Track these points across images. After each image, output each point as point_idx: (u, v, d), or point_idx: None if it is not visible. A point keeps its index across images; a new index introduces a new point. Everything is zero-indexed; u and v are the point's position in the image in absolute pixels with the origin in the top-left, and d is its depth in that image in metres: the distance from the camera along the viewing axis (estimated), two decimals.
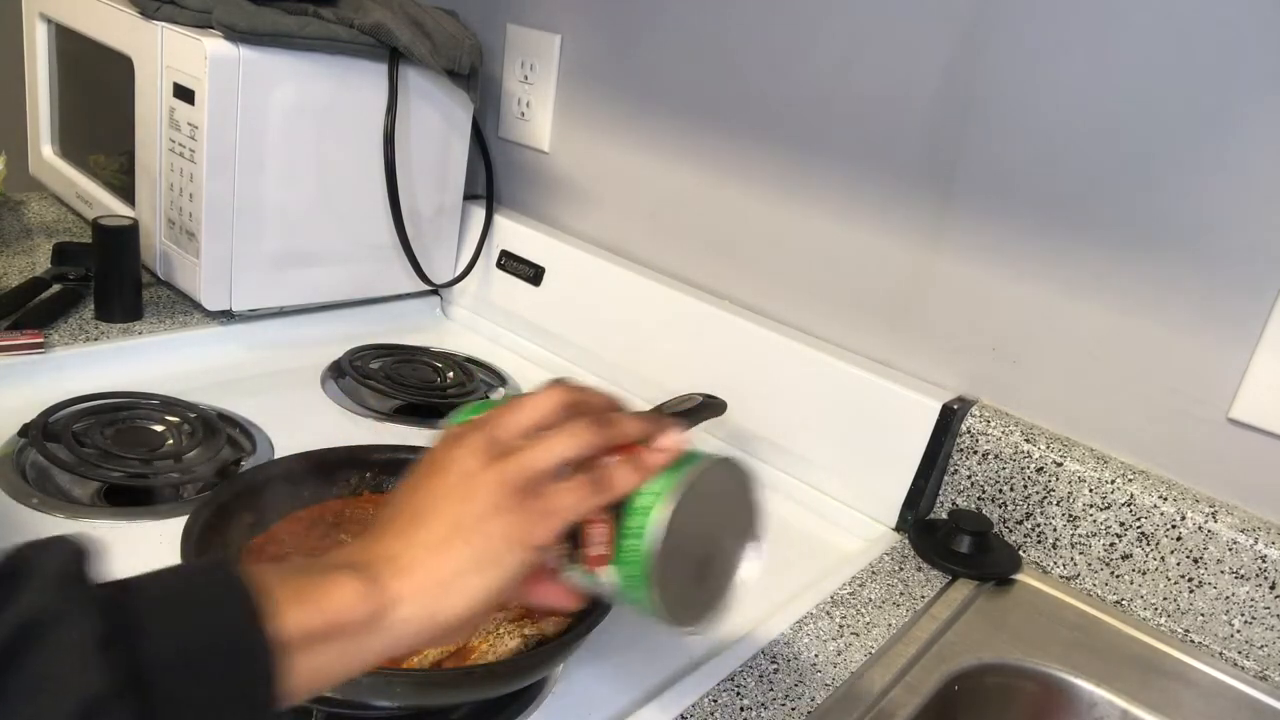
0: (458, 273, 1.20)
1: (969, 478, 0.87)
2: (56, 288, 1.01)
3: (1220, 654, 0.75)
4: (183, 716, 0.34)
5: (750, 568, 0.53)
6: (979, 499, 0.87)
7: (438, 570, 0.42)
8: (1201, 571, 0.76)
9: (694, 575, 0.50)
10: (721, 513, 0.51)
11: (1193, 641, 0.77)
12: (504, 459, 0.45)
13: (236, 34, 0.92)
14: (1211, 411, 0.77)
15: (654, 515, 0.46)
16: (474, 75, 1.08)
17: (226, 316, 1.03)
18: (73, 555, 0.35)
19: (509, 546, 0.43)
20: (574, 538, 0.48)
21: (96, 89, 1.14)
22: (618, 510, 0.47)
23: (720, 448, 0.98)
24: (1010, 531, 0.85)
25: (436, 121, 1.10)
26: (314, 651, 0.38)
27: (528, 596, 0.49)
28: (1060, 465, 0.82)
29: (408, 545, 0.43)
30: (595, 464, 0.48)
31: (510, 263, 1.17)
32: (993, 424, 0.85)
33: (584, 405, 0.49)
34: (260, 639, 0.36)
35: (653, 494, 0.47)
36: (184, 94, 0.94)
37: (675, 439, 0.49)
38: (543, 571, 0.49)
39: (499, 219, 1.19)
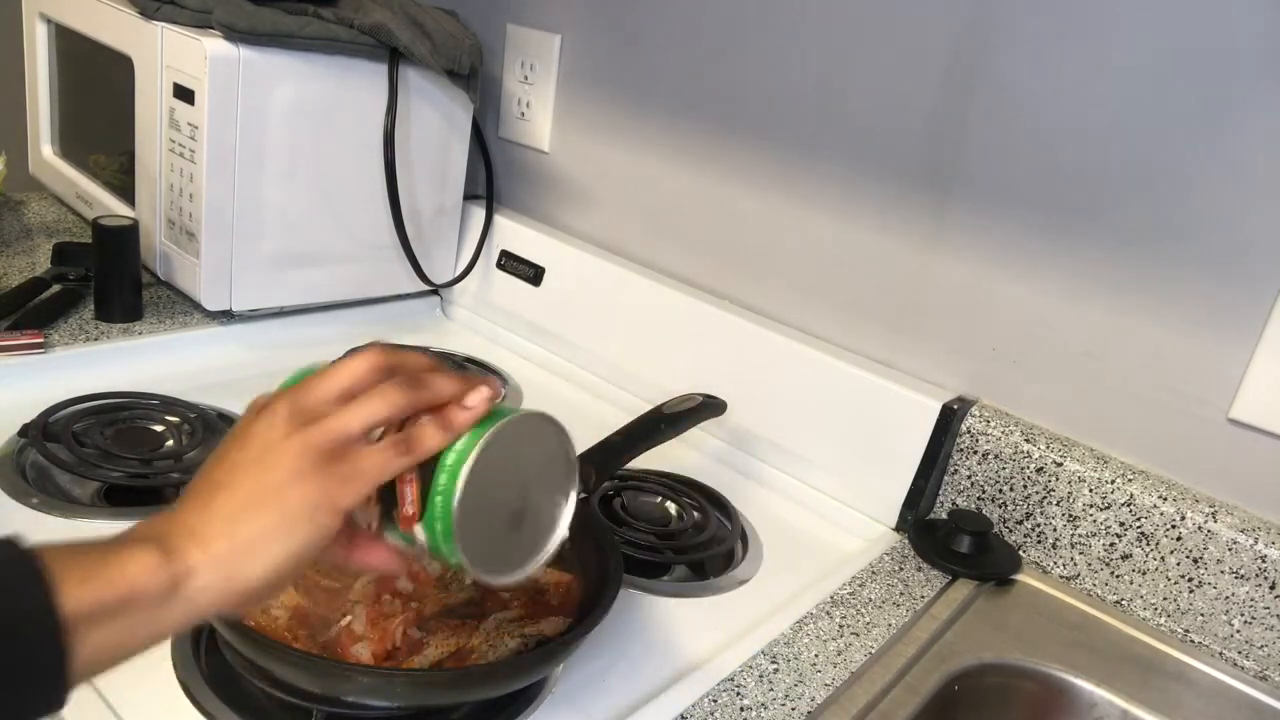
0: (458, 273, 1.20)
1: (969, 478, 0.87)
2: (56, 288, 1.01)
3: (1220, 654, 0.75)
4: None
5: (567, 520, 0.53)
6: (979, 499, 0.87)
7: (234, 538, 0.43)
8: (1201, 571, 0.76)
9: (505, 528, 0.51)
10: (532, 467, 0.52)
11: (1193, 641, 0.77)
12: (307, 426, 0.45)
13: (236, 34, 0.92)
14: (1211, 411, 0.77)
15: (458, 471, 0.47)
16: (474, 75, 1.08)
17: (226, 316, 1.03)
18: None
19: (309, 511, 0.44)
20: (390, 499, 0.48)
21: (96, 89, 1.14)
22: (429, 469, 0.48)
23: (720, 448, 0.98)
24: (1010, 531, 0.85)
25: (436, 121, 1.10)
26: (105, 625, 0.39)
27: (350, 559, 0.50)
28: (1060, 465, 0.82)
29: (205, 516, 0.43)
30: (410, 425, 0.48)
31: (510, 263, 1.17)
32: (993, 424, 0.85)
33: (399, 367, 0.48)
34: (49, 614, 0.37)
35: (458, 451, 0.47)
36: (184, 94, 0.94)
37: (483, 395, 0.48)
38: (364, 534, 0.49)
39: (499, 219, 1.19)
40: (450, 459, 0.47)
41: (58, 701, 0.37)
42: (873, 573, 0.81)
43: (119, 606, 0.39)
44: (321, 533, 0.44)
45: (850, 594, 0.77)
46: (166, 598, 0.41)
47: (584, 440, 0.80)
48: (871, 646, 0.71)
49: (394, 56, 1.02)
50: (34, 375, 0.88)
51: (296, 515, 0.43)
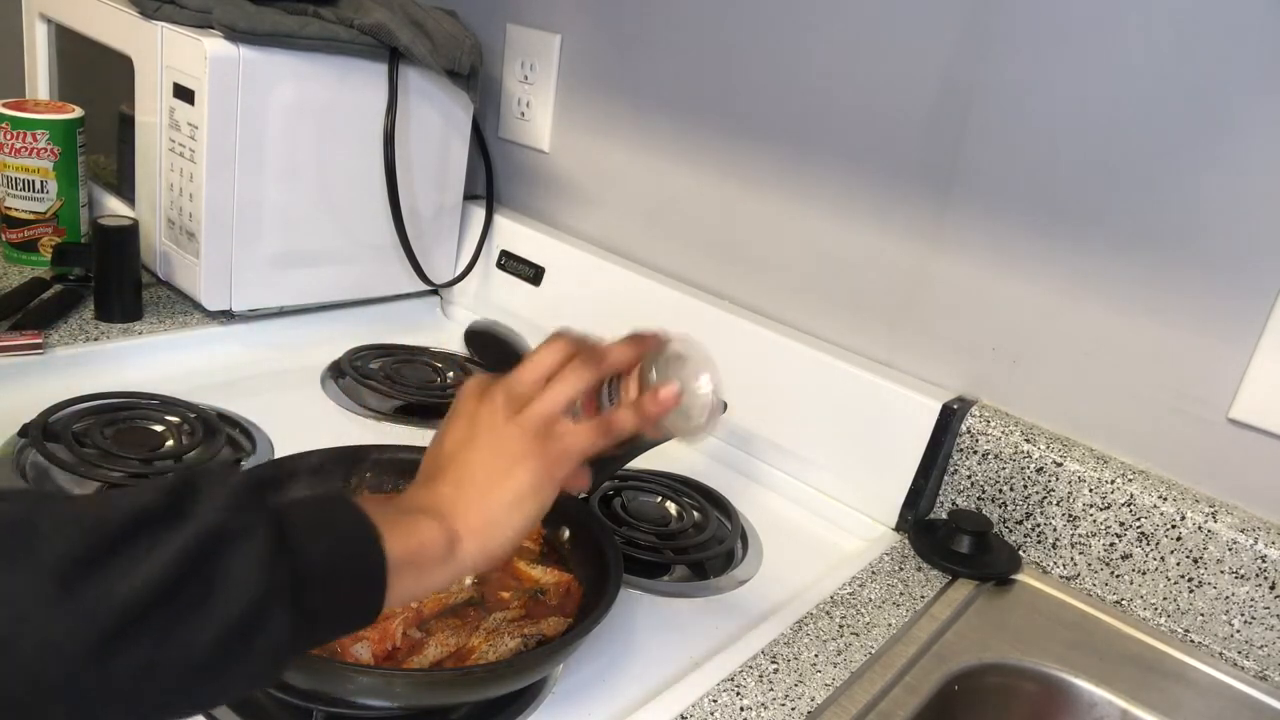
0: (458, 273, 1.20)
1: (969, 478, 0.87)
2: (56, 288, 1.01)
3: (1220, 654, 0.75)
4: (318, 618, 0.43)
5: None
6: (979, 499, 0.87)
7: (485, 513, 0.52)
8: (1201, 571, 0.76)
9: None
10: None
11: (1193, 641, 0.77)
12: (522, 411, 0.55)
13: (236, 34, 0.92)
14: (1211, 411, 0.77)
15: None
16: (474, 75, 1.08)
17: (226, 316, 1.03)
18: (243, 480, 0.42)
19: (538, 486, 0.53)
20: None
21: (96, 89, 1.14)
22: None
23: (720, 448, 0.98)
24: (1010, 531, 0.85)
25: (436, 121, 1.10)
26: (406, 574, 0.47)
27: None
28: (1060, 465, 0.82)
29: (460, 493, 0.53)
30: (599, 391, 0.58)
31: (510, 263, 1.17)
32: (993, 424, 0.85)
33: (582, 348, 0.58)
34: (380, 559, 0.46)
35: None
36: (184, 94, 0.94)
37: (671, 392, 0.57)
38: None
39: (499, 219, 1.19)
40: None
41: (365, 625, 0.47)
42: (873, 573, 0.81)
43: (417, 560, 0.48)
44: (548, 502, 0.54)
45: (850, 594, 0.77)
46: (444, 559, 0.50)
47: None
48: (871, 646, 0.71)
49: (394, 56, 1.02)
50: (34, 375, 0.88)
51: (527, 491, 0.53)
